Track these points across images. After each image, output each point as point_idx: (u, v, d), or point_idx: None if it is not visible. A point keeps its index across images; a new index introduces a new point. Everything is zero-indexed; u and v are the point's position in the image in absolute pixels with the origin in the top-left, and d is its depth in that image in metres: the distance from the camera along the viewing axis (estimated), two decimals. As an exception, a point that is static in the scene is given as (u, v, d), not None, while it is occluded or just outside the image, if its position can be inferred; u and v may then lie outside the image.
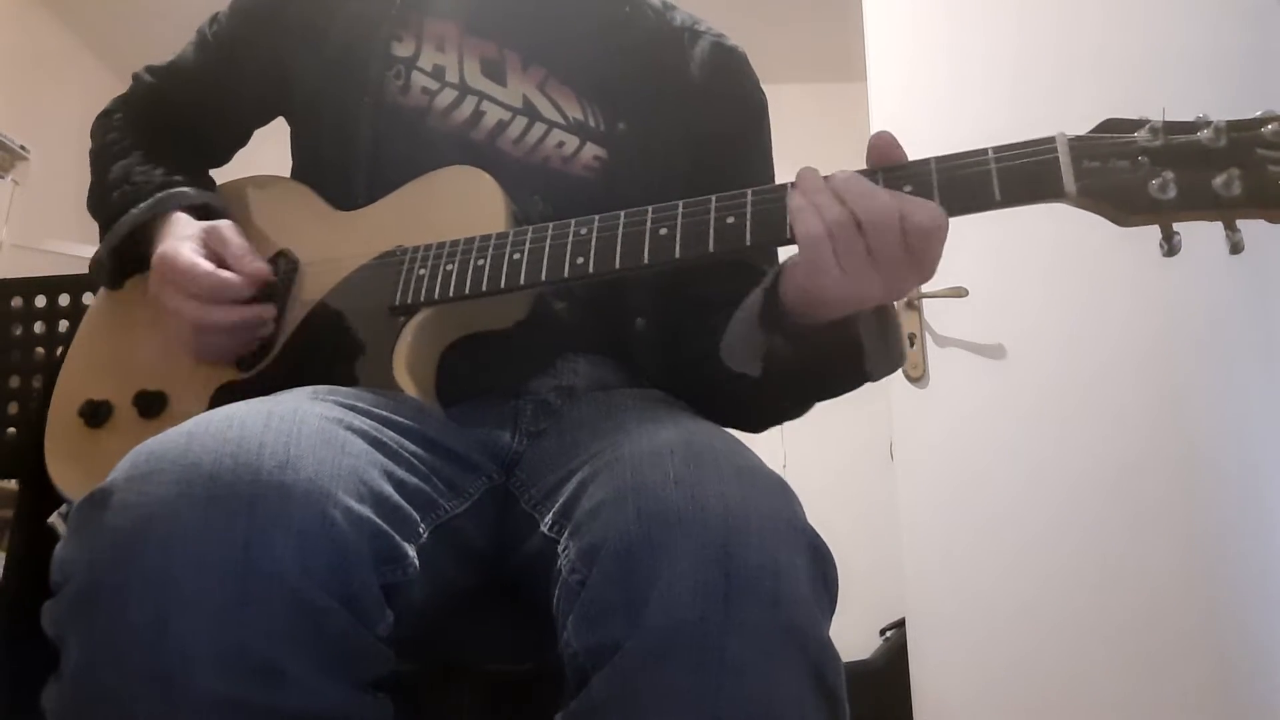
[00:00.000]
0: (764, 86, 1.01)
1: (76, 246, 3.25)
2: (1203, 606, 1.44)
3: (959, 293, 1.65)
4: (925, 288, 1.71)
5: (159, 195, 0.89)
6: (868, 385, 0.77)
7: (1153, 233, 0.64)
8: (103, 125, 1.02)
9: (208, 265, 0.81)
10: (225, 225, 0.86)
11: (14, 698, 0.89)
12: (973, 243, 1.68)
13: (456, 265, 0.77)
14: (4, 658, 0.94)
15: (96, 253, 0.91)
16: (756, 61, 1.02)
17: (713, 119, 0.94)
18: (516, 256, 0.75)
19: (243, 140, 1.05)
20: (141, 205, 0.88)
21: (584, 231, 0.73)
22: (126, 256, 0.90)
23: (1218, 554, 1.45)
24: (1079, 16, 1.62)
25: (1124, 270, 1.54)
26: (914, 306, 1.72)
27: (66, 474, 0.87)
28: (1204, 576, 1.44)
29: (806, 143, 1.60)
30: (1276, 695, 1.37)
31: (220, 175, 1.01)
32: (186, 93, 1.01)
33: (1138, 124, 0.62)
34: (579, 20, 0.94)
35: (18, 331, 1.22)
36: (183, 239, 0.84)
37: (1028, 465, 1.57)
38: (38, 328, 1.22)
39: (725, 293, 0.80)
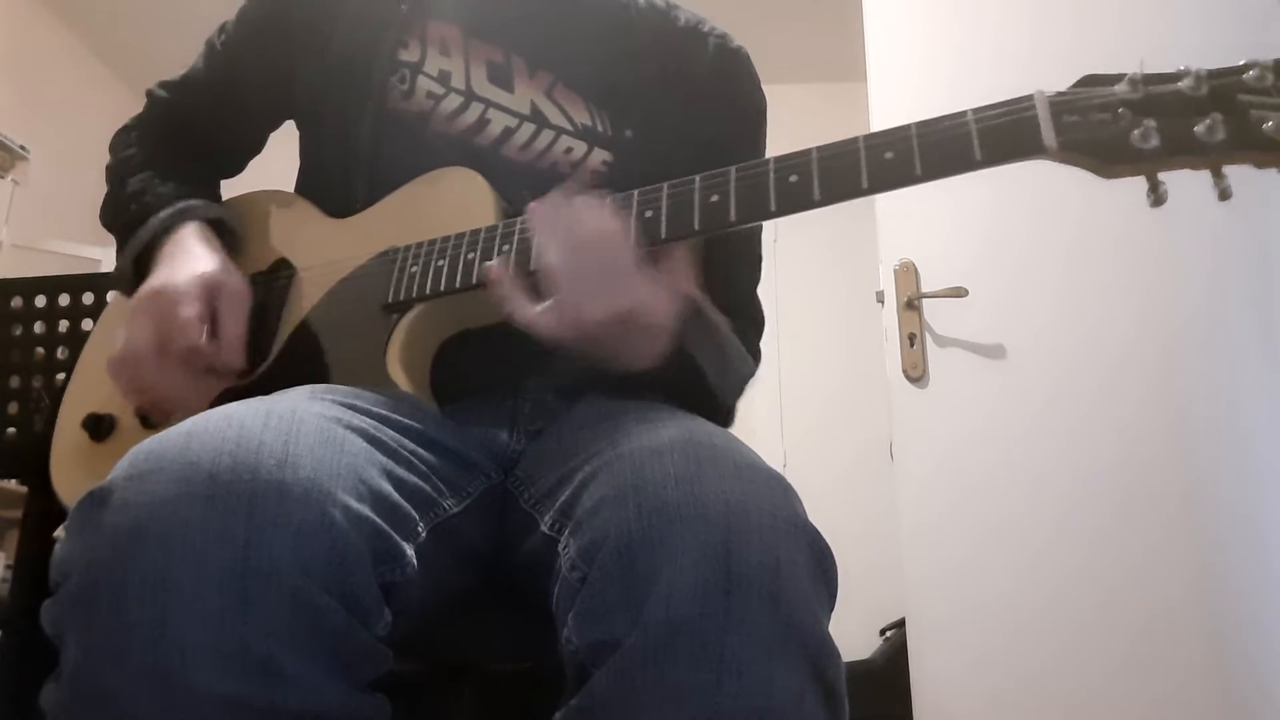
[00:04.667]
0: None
1: (76, 246, 3.26)
2: (1203, 605, 1.44)
3: (959, 293, 1.65)
4: (925, 287, 1.71)
5: (177, 207, 0.89)
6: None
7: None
8: (121, 140, 1.02)
9: (196, 335, 0.79)
10: (240, 297, 0.84)
11: (17, 697, 0.89)
12: (973, 243, 1.69)
13: (448, 260, 0.77)
14: (9, 658, 0.94)
15: (118, 265, 0.91)
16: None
17: (715, 122, 0.94)
18: (506, 248, 0.75)
19: (257, 148, 1.06)
20: (160, 216, 0.88)
21: None
22: (143, 267, 0.90)
23: (1218, 553, 1.45)
24: (1080, 17, 1.63)
25: (1125, 271, 1.54)
26: (914, 306, 1.72)
27: (72, 487, 0.88)
28: (1204, 576, 1.45)
29: (807, 142, 1.60)
30: (1276, 696, 1.37)
31: (228, 185, 1.02)
32: (198, 104, 1.01)
33: (1117, 78, 0.63)
34: (584, 24, 0.94)
35: (18, 331, 1.22)
36: (190, 277, 0.82)
37: (1028, 465, 1.57)
38: (38, 328, 1.22)
39: (712, 291, 0.81)
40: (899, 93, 1.80)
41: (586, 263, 0.69)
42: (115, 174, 0.98)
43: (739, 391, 0.84)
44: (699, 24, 1.00)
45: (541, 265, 0.70)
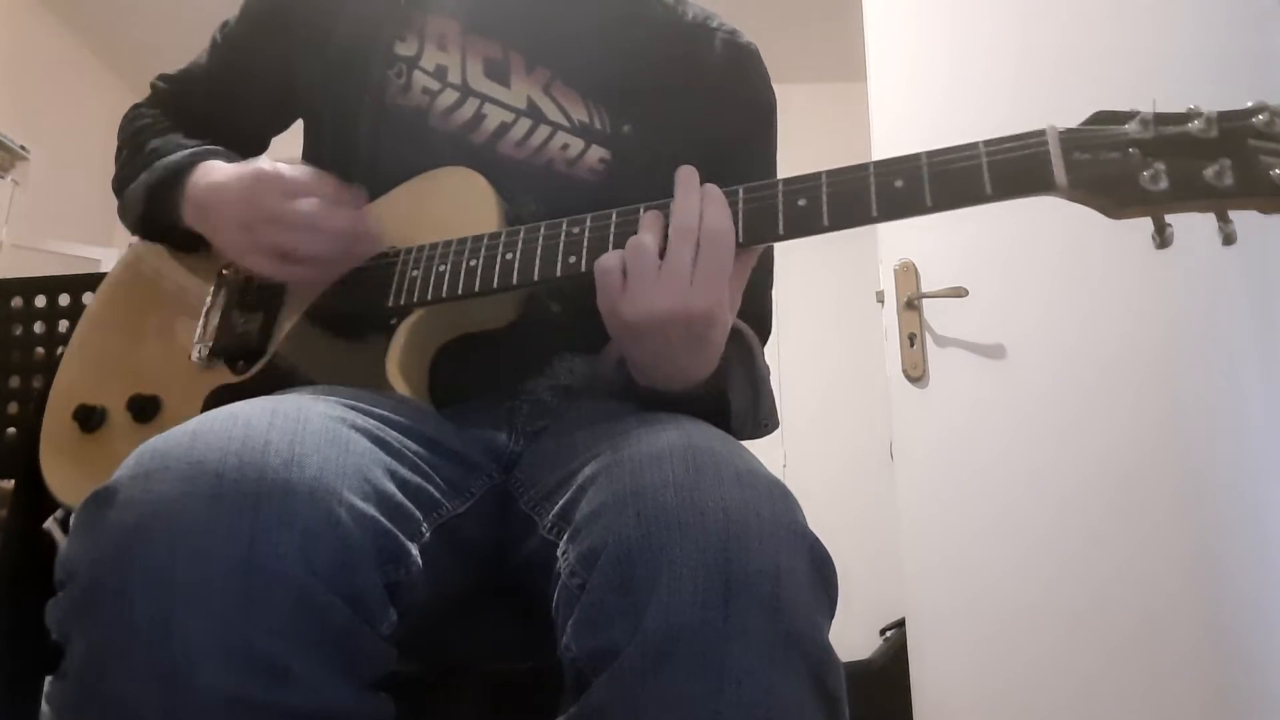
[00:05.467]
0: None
1: (76, 246, 3.26)
2: (1202, 606, 1.44)
3: (959, 293, 1.65)
4: (925, 287, 1.71)
5: (204, 146, 0.88)
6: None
7: (1151, 232, 0.64)
8: (132, 114, 1.02)
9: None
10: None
11: (12, 696, 0.89)
12: (973, 243, 1.69)
13: (449, 266, 0.77)
14: (2, 657, 0.94)
15: (128, 196, 0.89)
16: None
17: (723, 119, 0.93)
18: (509, 256, 0.74)
19: (258, 145, 1.05)
20: (182, 153, 0.87)
21: (576, 230, 0.73)
22: (157, 214, 0.88)
23: (1217, 553, 1.45)
24: (1079, 16, 1.63)
25: (1124, 271, 1.54)
26: (914, 306, 1.72)
27: (61, 478, 0.87)
28: (1203, 577, 1.45)
29: (807, 142, 1.60)
30: (1276, 690, 1.37)
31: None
32: (197, 96, 1.01)
33: (1128, 115, 0.62)
34: (584, 20, 0.93)
35: (18, 331, 1.22)
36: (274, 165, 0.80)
37: (1027, 465, 1.57)
38: (38, 328, 1.23)
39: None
40: (898, 93, 1.80)
41: (686, 254, 0.66)
42: (133, 140, 0.98)
43: (751, 438, 0.83)
44: (707, 19, 0.98)
45: (635, 243, 0.67)
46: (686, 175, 0.70)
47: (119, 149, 0.99)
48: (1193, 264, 1.50)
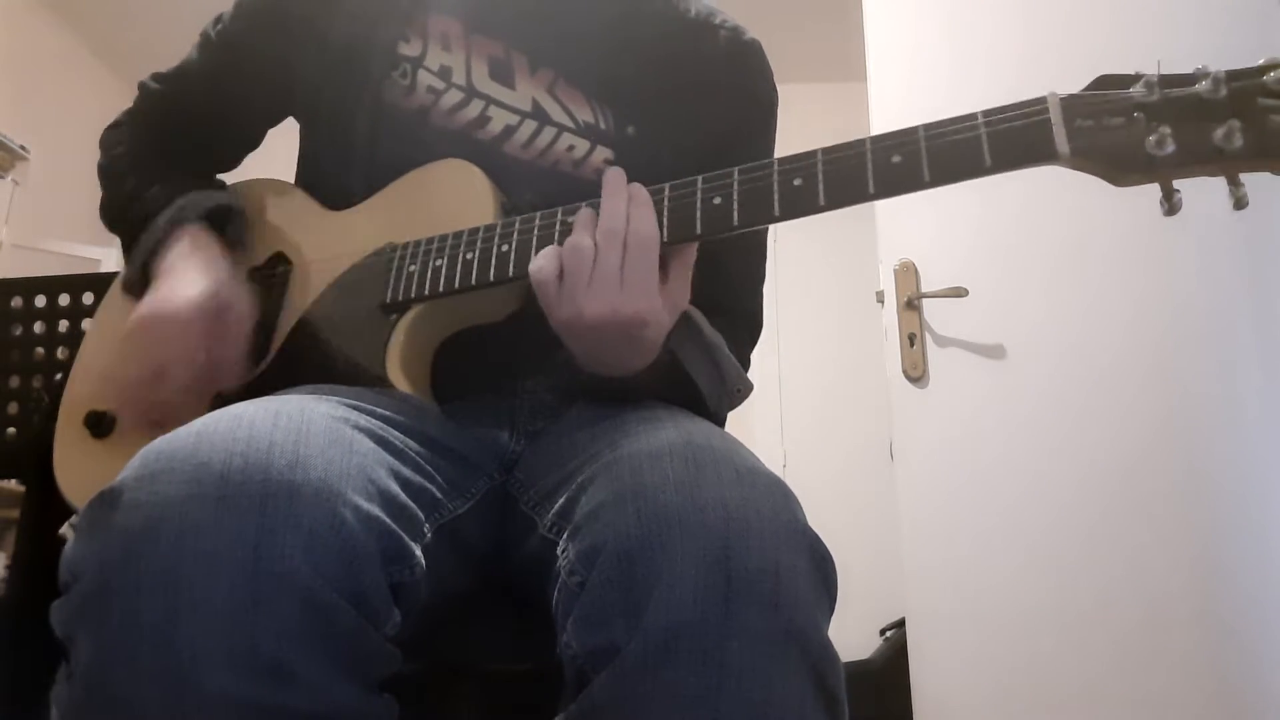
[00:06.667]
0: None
1: (76, 246, 3.26)
2: (1203, 606, 1.44)
3: (959, 293, 1.65)
4: (925, 287, 1.71)
5: (176, 206, 0.88)
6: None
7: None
8: (111, 138, 1.01)
9: (193, 365, 0.80)
10: (236, 317, 0.83)
11: (16, 697, 0.89)
12: (973, 243, 1.69)
13: (446, 260, 0.76)
14: (7, 658, 0.94)
15: (128, 272, 0.90)
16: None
17: (725, 114, 0.93)
18: (505, 248, 0.74)
19: (253, 143, 1.04)
20: (158, 222, 0.88)
21: (571, 220, 0.72)
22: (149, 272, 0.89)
23: (1218, 552, 1.45)
24: (1079, 17, 1.63)
25: (1124, 270, 1.54)
26: (914, 306, 1.72)
27: (75, 484, 0.88)
28: (1204, 576, 1.45)
29: (807, 142, 1.60)
30: (1276, 690, 1.37)
31: (225, 179, 1.01)
32: (193, 96, 1.00)
33: (1133, 79, 0.60)
34: (586, 17, 0.93)
35: (18, 331, 1.23)
36: (185, 302, 0.81)
37: (1028, 465, 1.57)
38: (38, 328, 1.23)
39: (714, 287, 0.81)
40: (899, 93, 1.80)
41: (614, 258, 0.67)
42: (108, 173, 0.98)
43: (731, 408, 0.84)
44: (711, 15, 0.97)
45: (572, 245, 0.68)
46: (614, 177, 0.71)
47: (100, 174, 0.99)
48: (1193, 263, 1.50)
